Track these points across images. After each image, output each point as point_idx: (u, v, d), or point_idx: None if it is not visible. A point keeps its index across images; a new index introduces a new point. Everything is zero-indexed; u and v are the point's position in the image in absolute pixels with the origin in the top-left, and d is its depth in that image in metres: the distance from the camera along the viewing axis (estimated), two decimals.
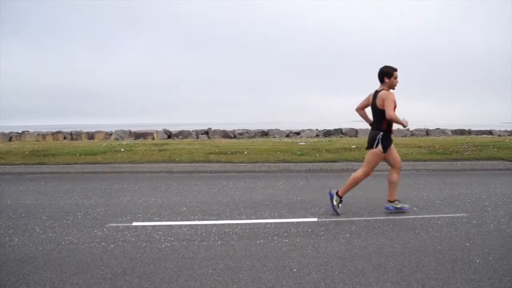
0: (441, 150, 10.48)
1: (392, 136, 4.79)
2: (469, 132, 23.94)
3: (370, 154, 4.71)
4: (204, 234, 4.04)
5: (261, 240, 3.84)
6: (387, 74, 4.63)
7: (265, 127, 27.46)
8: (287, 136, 21.79)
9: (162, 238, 3.93)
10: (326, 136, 21.35)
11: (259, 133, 22.62)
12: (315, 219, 4.53)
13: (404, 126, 4.63)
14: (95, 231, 4.15)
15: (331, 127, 25.40)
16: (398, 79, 4.67)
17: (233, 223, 4.43)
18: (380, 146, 4.62)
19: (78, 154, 10.04)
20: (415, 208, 5.03)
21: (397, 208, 4.81)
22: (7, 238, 3.93)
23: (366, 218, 4.60)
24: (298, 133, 22.55)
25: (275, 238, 3.91)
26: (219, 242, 3.80)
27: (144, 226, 4.35)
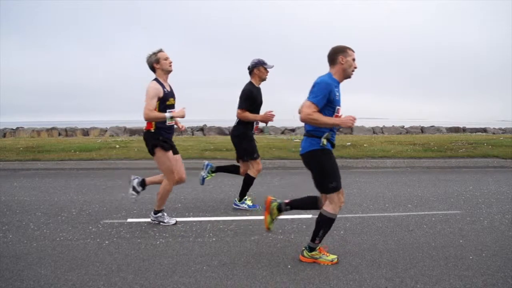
0: (435, 147, 10.54)
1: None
2: (464, 130, 24.11)
3: None
4: (199, 231, 4.04)
5: (256, 237, 3.85)
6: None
7: (260, 124, 27.43)
8: (283, 133, 21.81)
9: (157, 234, 3.92)
10: None
11: None
12: (310, 216, 4.54)
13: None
14: (90, 228, 4.14)
15: None
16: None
17: (228, 220, 4.44)
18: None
19: (72, 151, 9.99)
20: (409, 205, 5.06)
21: None
22: (1, 235, 3.91)
23: (360, 215, 4.63)
24: (293, 130, 22.58)
25: (269, 234, 3.92)
26: (213, 239, 3.80)
27: (139, 222, 4.35)
